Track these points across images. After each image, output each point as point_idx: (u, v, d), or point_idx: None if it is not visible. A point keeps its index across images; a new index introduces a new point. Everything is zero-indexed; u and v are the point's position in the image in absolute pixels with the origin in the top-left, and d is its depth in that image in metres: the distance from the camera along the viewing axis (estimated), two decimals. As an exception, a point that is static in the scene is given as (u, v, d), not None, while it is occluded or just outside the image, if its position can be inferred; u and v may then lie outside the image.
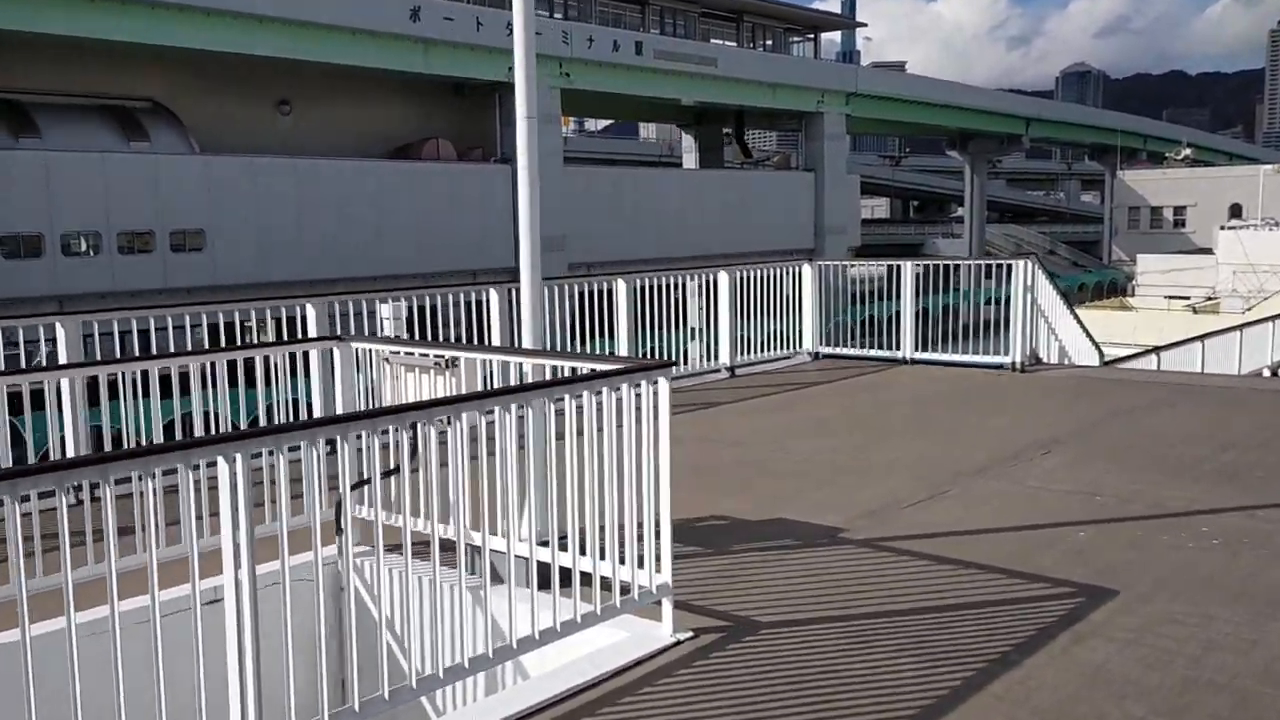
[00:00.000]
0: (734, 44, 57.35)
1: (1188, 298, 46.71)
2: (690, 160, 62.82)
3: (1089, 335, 13.13)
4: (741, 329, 11.56)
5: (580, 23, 47.63)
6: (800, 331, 12.34)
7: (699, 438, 8.03)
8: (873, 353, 12.24)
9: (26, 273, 30.27)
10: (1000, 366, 11.28)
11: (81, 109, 34.15)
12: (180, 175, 33.86)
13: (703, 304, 11.29)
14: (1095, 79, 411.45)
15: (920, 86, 65.30)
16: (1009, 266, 11.18)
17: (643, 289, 10.14)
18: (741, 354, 11.72)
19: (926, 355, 11.84)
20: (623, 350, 9.90)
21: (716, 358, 11.29)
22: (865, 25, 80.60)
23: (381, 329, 7.35)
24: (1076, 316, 12.88)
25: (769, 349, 12.15)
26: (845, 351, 12.46)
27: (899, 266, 11.82)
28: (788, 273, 11.97)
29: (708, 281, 11.27)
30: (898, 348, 11.89)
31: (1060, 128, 76.22)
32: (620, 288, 9.86)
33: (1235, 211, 65.73)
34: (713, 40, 56.52)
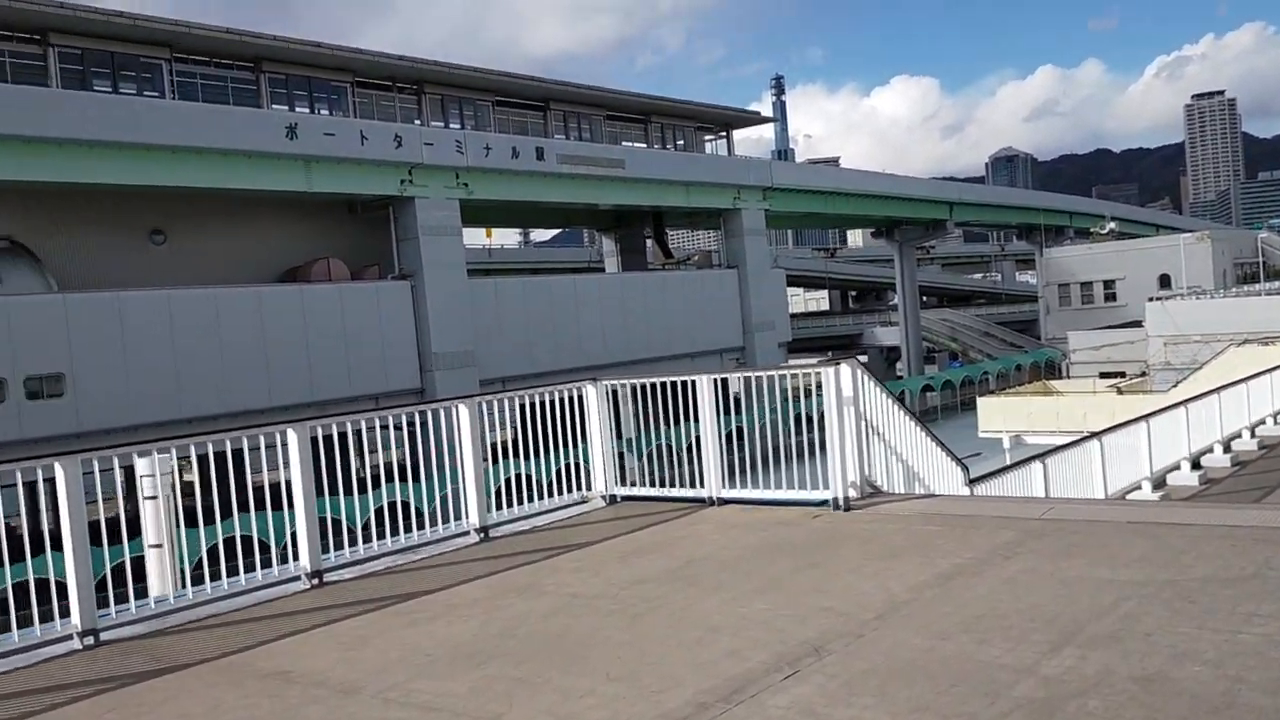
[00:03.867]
0: (644, 145, 56.38)
1: (1122, 373, 45.31)
2: (612, 264, 61.36)
3: (948, 451, 10.92)
4: (513, 469, 9.15)
5: (478, 131, 46.23)
6: (592, 469, 9.96)
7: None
8: (675, 491, 9.86)
9: None
10: (822, 503, 8.93)
11: (-77, 252, 31.70)
12: (35, 316, 31.23)
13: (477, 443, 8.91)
14: (1023, 161, 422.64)
15: (838, 177, 64.79)
16: (817, 376, 8.90)
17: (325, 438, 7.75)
18: (509, 505, 9.30)
19: (737, 493, 9.47)
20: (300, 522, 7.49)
21: (465, 515, 8.84)
22: (775, 120, 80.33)
23: None
24: (926, 428, 10.62)
25: (550, 494, 9.75)
26: (644, 491, 10.08)
27: (693, 382, 9.52)
28: (565, 398, 9.63)
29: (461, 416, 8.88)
30: (702, 485, 9.53)
31: (984, 210, 75.97)
32: (291, 438, 7.48)
33: (1164, 282, 65.12)
34: (623, 143, 55.54)
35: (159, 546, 13.92)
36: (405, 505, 8.63)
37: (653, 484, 10.19)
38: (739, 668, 5.18)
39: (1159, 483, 17.82)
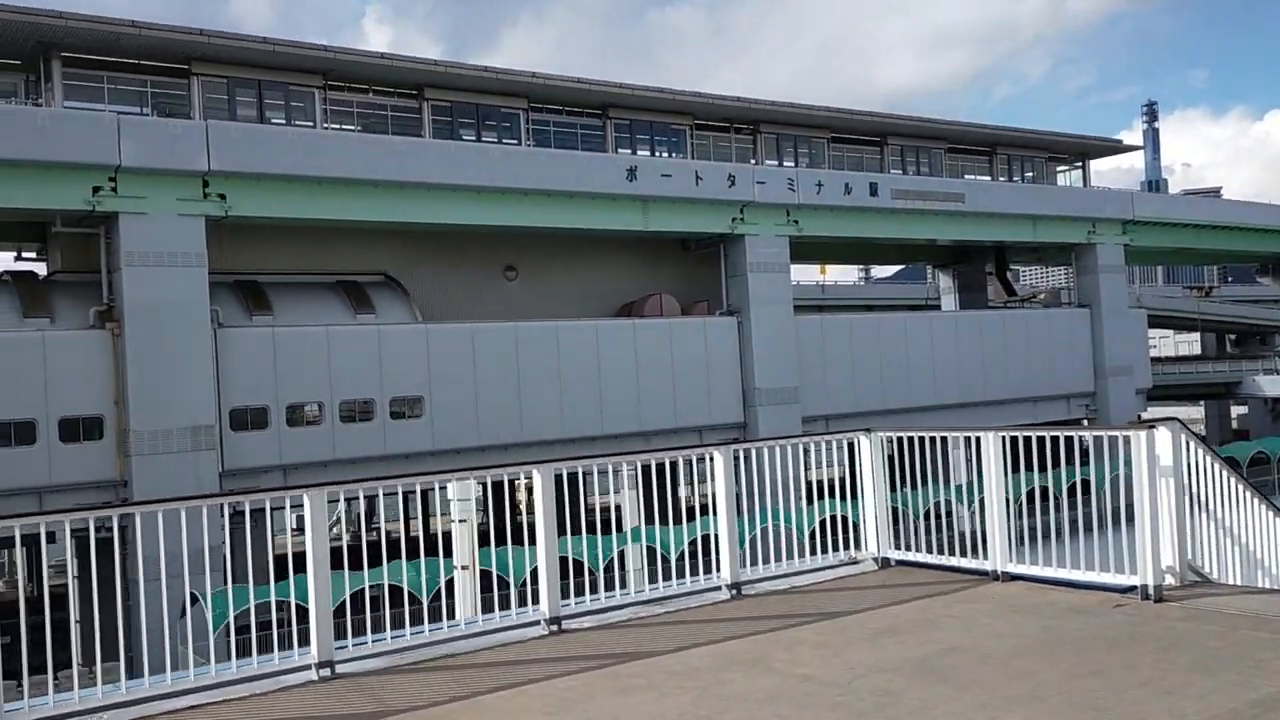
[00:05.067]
0: (988, 178, 53.57)
1: None
2: (949, 301, 58.73)
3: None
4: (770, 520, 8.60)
5: (811, 169, 45.94)
6: (863, 527, 9.14)
7: None
8: (955, 561, 8.76)
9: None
10: (1129, 589, 7.56)
11: (314, 285, 35.96)
12: (402, 344, 34.54)
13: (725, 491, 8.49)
14: None
15: (1212, 209, 58.11)
16: (1127, 439, 7.55)
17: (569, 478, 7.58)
18: (765, 561, 8.71)
19: (1027, 569, 8.25)
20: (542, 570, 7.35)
21: (717, 569, 8.34)
22: (1140, 148, 73.34)
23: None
24: (1273, 504, 8.77)
25: (814, 552, 9.05)
26: (921, 558, 9.07)
27: (978, 438, 8.42)
28: (836, 446, 8.91)
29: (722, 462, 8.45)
30: (985, 555, 8.41)
31: (1403, 243, 65.03)
32: (536, 479, 7.39)
33: None
34: (966, 176, 53.12)
35: (466, 568, 14.65)
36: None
37: (931, 550, 9.26)
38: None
39: None
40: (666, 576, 8.60)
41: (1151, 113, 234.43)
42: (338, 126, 38.94)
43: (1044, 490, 9.88)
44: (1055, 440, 8.85)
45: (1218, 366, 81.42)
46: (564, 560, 7.77)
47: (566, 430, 36.58)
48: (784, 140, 48.02)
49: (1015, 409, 47.93)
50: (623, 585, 8.39)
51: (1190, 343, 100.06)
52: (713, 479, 8.47)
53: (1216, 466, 8.43)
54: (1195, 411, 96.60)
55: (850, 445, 9.33)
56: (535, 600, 7.69)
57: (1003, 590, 8.26)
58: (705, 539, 8.50)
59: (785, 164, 47.20)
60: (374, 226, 35.40)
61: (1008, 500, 8.45)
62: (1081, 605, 7.62)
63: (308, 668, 6.66)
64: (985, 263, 56.18)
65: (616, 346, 38.54)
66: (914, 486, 9.36)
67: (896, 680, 6.13)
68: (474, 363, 35.45)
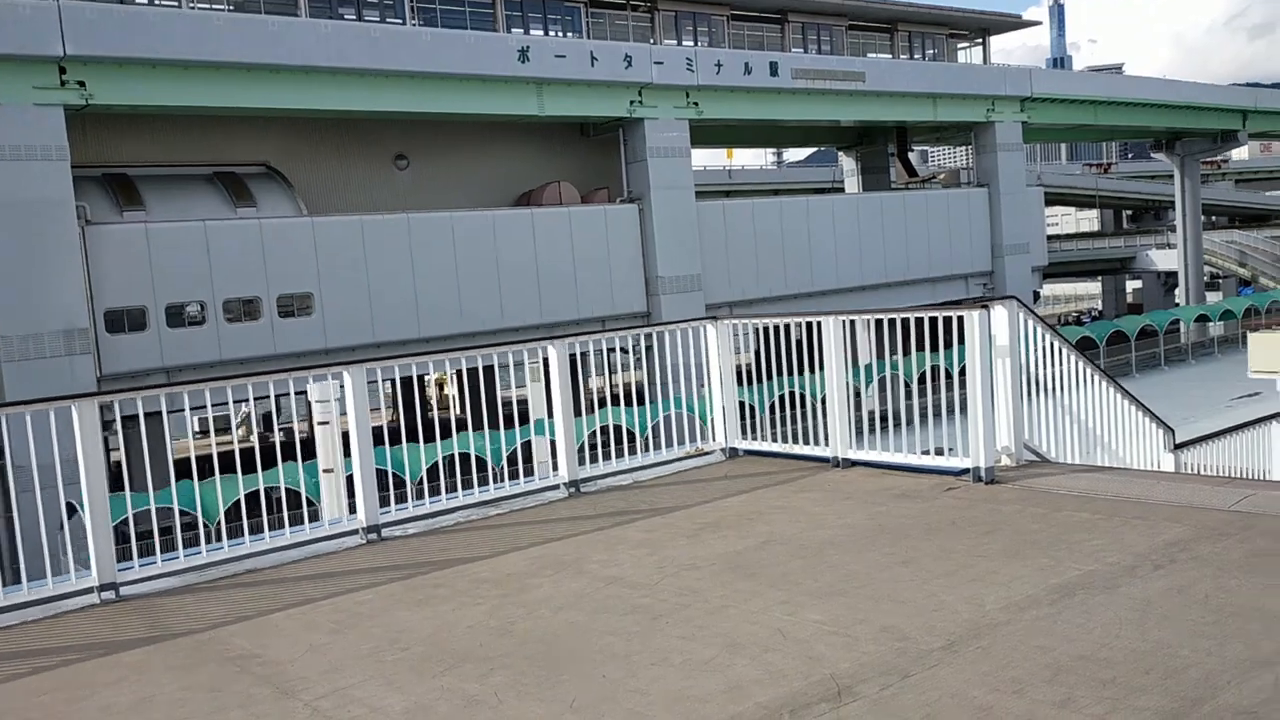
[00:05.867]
0: (889, 56, 53.01)
1: None
2: (853, 184, 58.73)
3: (1146, 410, 9.00)
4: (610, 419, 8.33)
5: (710, 48, 44.85)
6: (709, 418, 8.93)
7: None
8: (799, 449, 8.65)
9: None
10: (963, 472, 7.49)
11: (189, 178, 34.27)
12: (286, 238, 33.22)
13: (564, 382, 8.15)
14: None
15: (1108, 85, 58.51)
16: (960, 319, 7.36)
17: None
18: (604, 459, 8.46)
19: (866, 454, 8.16)
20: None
21: (554, 468, 8.08)
22: (1038, 24, 72.83)
23: None
24: (1116, 383, 8.73)
25: (661, 446, 8.84)
26: (768, 447, 8.93)
27: (819, 323, 8.20)
28: (680, 336, 8.59)
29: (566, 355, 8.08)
30: (826, 442, 8.29)
31: (1288, 118, 66.64)
32: (346, 381, 6.91)
33: None
34: (867, 55, 52.46)
35: (330, 471, 14.22)
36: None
37: (778, 440, 9.11)
38: (724, 714, 4.18)
39: None
40: (528, 475, 8.32)
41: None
42: (206, 6, 36.57)
43: (896, 376, 9.75)
44: (920, 322, 8.68)
45: (1114, 242, 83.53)
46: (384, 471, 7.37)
47: (466, 325, 35.92)
48: (682, 19, 46.69)
49: (916, 290, 48.57)
50: (466, 488, 8.05)
51: (1090, 220, 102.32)
52: (548, 375, 8.12)
53: (1057, 345, 8.34)
54: (1093, 286, 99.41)
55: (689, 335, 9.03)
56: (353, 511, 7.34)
57: (840, 477, 8.15)
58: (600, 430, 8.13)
59: (684, 44, 45.97)
60: (250, 114, 33.65)
61: (848, 386, 8.26)
62: (914, 490, 7.53)
63: (89, 591, 6.24)
64: (888, 144, 56.09)
65: (515, 237, 37.68)
66: (767, 376, 9.13)
67: (704, 578, 5.94)
68: (365, 256, 34.35)
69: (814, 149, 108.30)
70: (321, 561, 6.89)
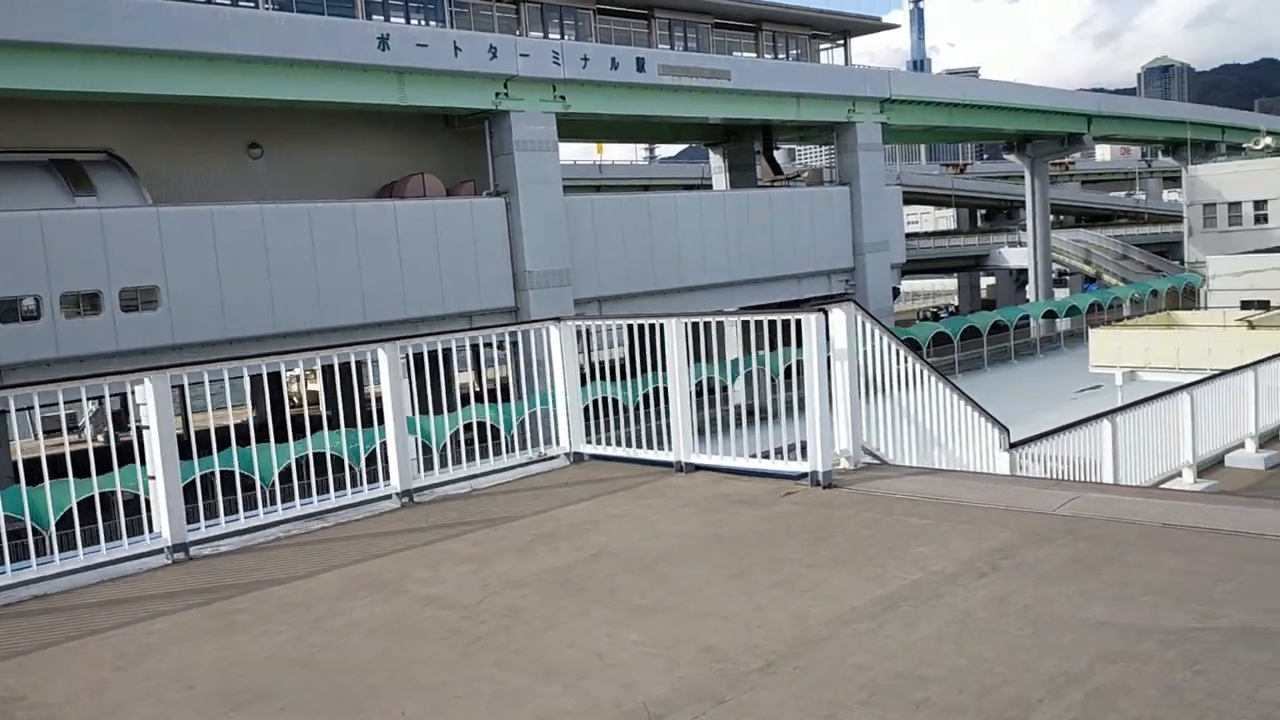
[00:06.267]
0: (754, 55, 53.69)
1: (1266, 303, 41.41)
2: (720, 180, 59.33)
3: (982, 410, 9.22)
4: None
5: (577, 42, 44.56)
6: (554, 422, 8.71)
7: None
8: (644, 454, 8.52)
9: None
10: (801, 476, 7.47)
11: (23, 165, 32.22)
12: (129, 229, 31.50)
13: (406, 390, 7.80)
14: (1179, 72, 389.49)
15: (963, 88, 60.60)
16: (798, 323, 7.32)
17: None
18: (441, 466, 8.15)
19: (709, 459, 8.08)
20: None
21: (385, 476, 7.72)
22: (896, 27, 75.07)
23: None
24: (951, 383, 8.91)
25: (505, 451, 8.58)
26: (614, 451, 8.77)
27: (660, 325, 8.08)
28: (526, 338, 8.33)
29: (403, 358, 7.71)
30: (669, 446, 8.18)
31: (1127, 123, 70.24)
32: (147, 388, 6.41)
33: (1327, 204, 59.16)
34: (733, 53, 53.00)
35: (155, 479, 13.35)
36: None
37: (624, 444, 8.92)
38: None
39: (1271, 438, 15.53)
40: (354, 484, 7.90)
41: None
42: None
43: (750, 377, 9.66)
44: (760, 325, 8.60)
45: (969, 240, 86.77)
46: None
47: (325, 319, 34.77)
48: (549, 12, 46.28)
49: (782, 286, 49.38)
50: (286, 500, 7.59)
51: (947, 218, 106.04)
52: (378, 379, 7.73)
53: (896, 348, 8.39)
54: (950, 283, 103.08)
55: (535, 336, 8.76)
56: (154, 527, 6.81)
57: (683, 482, 8.01)
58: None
59: (551, 37, 45.57)
60: (88, 98, 31.87)
61: (690, 389, 8.13)
62: (753, 495, 7.44)
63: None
64: (754, 142, 56.83)
65: (376, 229, 36.68)
66: (632, 374, 8.91)
67: (529, 596, 5.69)
68: (216, 249, 32.89)
69: (685, 145, 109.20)
70: (119, 585, 6.37)
